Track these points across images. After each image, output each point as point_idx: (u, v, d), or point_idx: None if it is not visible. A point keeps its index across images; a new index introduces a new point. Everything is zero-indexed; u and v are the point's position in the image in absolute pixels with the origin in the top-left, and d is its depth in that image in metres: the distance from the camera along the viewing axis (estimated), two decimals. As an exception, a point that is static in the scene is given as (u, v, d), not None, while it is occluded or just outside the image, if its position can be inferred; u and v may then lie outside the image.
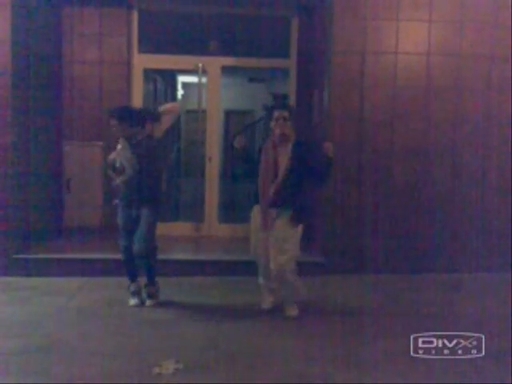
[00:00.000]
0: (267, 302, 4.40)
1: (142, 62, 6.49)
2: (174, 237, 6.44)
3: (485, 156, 5.58)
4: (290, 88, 6.51)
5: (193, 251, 6.05)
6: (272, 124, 4.14)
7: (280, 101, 4.30)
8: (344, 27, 5.41)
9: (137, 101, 6.44)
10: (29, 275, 5.17)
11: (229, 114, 11.51)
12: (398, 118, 5.49)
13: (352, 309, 4.46)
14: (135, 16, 6.43)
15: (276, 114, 4.09)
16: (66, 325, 3.92)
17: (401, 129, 5.50)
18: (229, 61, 6.63)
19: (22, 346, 3.56)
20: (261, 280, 4.40)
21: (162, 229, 6.57)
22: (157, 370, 3.21)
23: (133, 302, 4.42)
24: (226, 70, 6.75)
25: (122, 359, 3.38)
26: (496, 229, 5.56)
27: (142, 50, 6.50)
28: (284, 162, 4.08)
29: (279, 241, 4.06)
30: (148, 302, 4.43)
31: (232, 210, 7.95)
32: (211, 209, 6.62)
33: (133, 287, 4.49)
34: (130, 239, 4.32)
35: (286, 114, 4.08)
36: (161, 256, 5.52)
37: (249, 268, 4.64)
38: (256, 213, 4.21)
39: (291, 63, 6.49)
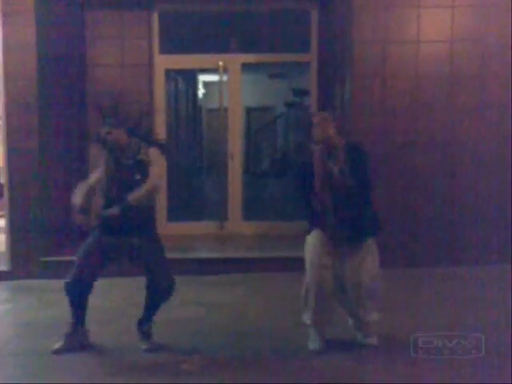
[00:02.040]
0: (317, 340, 3.55)
1: (164, 62, 6.52)
2: (199, 235, 6.47)
3: (506, 147, 5.42)
4: (311, 82, 6.46)
5: (217, 249, 6.06)
6: (313, 131, 3.42)
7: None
8: (364, 17, 5.35)
9: (159, 101, 6.49)
10: (58, 277, 5.22)
11: (250, 111, 11.52)
12: (422, 108, 5.39)
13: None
14: (155, 17, 6.46)
15: (316, 119, 3.44)
16: (100, 324, 3.96)
17: (424, 118, 5.40)
18: (249, 58, 6.62)
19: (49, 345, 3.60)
20: (308, 319, 3.60)
21: (186, 228, 6.69)
22: (184, 366, 3.24)
23: (57, 345, 3.53)
24: (247, 67, 6.74)
25: (152, 355, 3.40)
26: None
27: (162, 51, 6.54)
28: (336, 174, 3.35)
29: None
30: (145, 345, 3.57)
31: (256, 207, 7.94)
32: (235, 206, 6.62)
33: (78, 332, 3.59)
34: (89, 276, 3.52)
35: (326, 115, 3.48)
36: (186, 255, 5.60)
37: (274, 264, 4.63)
38: (313, 241, 3.49)
39: (312, 57, 6.44)
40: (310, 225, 3.52)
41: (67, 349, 3.48)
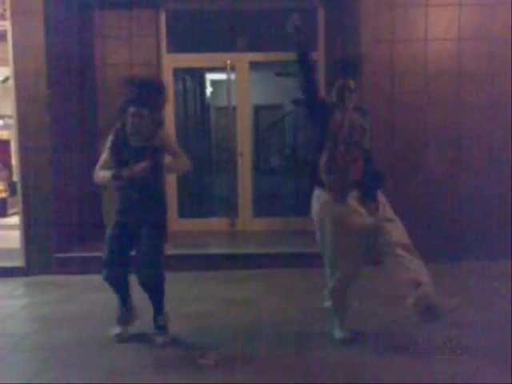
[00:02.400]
0: (343, 328, 3.58)
1: (171, 61, 6.59)
2: (209, 232, 6.55)
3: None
4: (319, 80, 6.49)
5: (228, 245, 6.13)
6: (333, 94, 3.42)
7: (347, 65, 3.43)
8: (372, 15, 5.38)
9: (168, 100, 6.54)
10: (70, 273, 5.35)
11: (258, 109, 11.56)
12: (430, 106, 5.43)
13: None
14: (163, 17, 6.52)
15: (340, 82, 3.38)
16: (114, 319, 4.04)
17: (433, 116, 5.44)
18: (256, 56, 6.66)
19: (75, 339, 3.71)
20: (329, 303, 3.62)
21: (198, 225, 6.77)
22: (200, 360, 3.30)
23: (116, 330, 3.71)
24: (254, 66, 6.79)
25: (168, 350, 3.49)
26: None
27: (170, 50, 6.60)
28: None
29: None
30: (159, 339, 3.62)
31: (266, 204, 7.99)
32: (245, 203, 6.68)
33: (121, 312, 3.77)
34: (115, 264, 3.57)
35: (351, 82, 3.37)
36: (197, 251, 5.68)
37: (285, 260, 4.67)
38: (325, 201, 3.41)
39: (319, 55, 6.47)
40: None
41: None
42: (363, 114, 3.50)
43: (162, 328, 3.65)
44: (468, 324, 3.79)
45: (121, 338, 3.65)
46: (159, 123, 3.53)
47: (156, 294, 3.61)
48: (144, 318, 3.81)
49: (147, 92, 3.42)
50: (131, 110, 3.42)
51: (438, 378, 3.05)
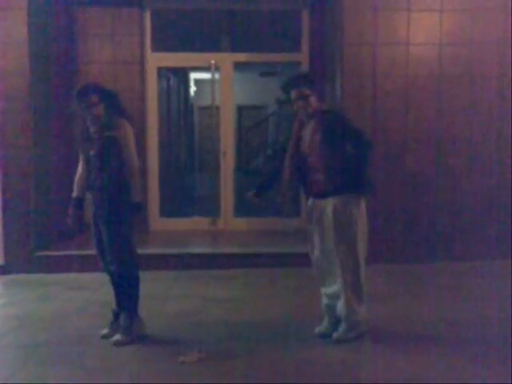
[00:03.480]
0: (325, 323, 3.68)
1: (156, 60, 6.58)
2: (191, 231, 6.56)
3: (500, 144, 5.58)
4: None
5: (210, 245, 6.14)
6: (294, 106, 3.58)
7: (295, 78, 3.65)
8: (355, 18, 5.44)
9: (151, 99, 6.55)
10: (51, 272, 5.31)
11: (241, 109, 11.59)
12: (411, 109, 5.51)
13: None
14: (148, 15, 6.51)
15: (293, 94, 3.53)
16: (94, 317, 4.03)
17: (413, 119, 5.52)
18: (241, 56, 6.69)
19: (54, 338, 3.68)
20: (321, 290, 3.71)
21: (179, 224, 6.77)
22: (181, 358, 3.31)
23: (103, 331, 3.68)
24: (238, 66, 6.82)
25: (149, 348, 3.50)
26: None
27: (154, 49, 6.59)
28: (313, 140, 3.48)
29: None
30: (115, 337, 3.55)
31: (247, 204, 8.00)
32: (227, 203, 6.71)
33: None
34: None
35: (305, 90, 3.50)
36: (179, 250, 5.68)
37: (266, 259, 4.71)
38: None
39: (303, 56, 6.53)
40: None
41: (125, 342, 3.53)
42: (327, 119, 3.50)
43: (122, 328, 3.55)
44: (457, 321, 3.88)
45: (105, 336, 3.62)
46: (116, 113, 3.50)
47: (120, 290, 3.60)
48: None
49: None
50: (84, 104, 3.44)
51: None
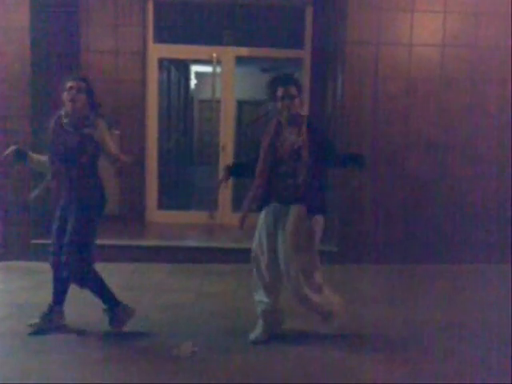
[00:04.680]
0: (260, 330, 3.63)
1: (157, 51, 6.56)
2: (188, 224, 6.56)
3: (500, 148, 5.60)
4: (304, 79, 6.55)
5: (207, 239, 6.15)
6: (278, 104, 3.46)
7: (283, 76, 3.58)
8: (358, 17, 5.44)
9: (152, 90, 6.53)
10: (47, 260, 5.29)
11: (242, 104, 11.57)
12: (412, 110, 5.52)
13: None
14: (150, 6, 6.49)
15: (280, 91, 3.42)
16: (87, 305, 4.03)
17: (415, 120, 5.54)
18: (243, 51, 6.68)
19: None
20: (258, 297, 3.66)
21: (176, 217, 6.77)
22: (175, 351, 3.33)
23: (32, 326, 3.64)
24: (240, 61, 6.80)
25: (142, 341, 3.50)
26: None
27: (156, 40, 6.57)
28: (294, 144, 3.40)
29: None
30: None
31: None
32: (225, 197, 6.71)
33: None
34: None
35: (292, 90, 3.43)
36: (174, 243, 5.68)
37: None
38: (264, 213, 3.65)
39: (306, 54, 6.52)
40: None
41: (42, 329, 3.57)
42: (311, 126, 3.46)
43: (110, 319, 3.62)
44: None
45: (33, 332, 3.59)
46: (91, 109, 3.49)
47: (61, 283, 3.64)
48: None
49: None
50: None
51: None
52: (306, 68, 6.53)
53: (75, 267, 3.45)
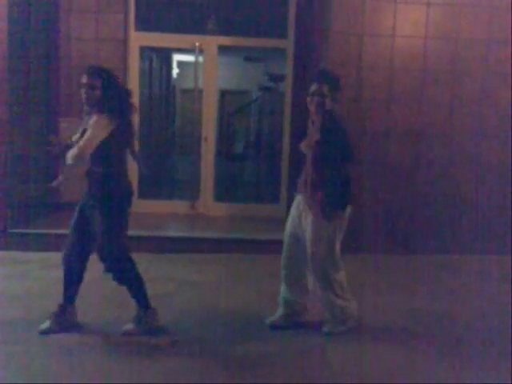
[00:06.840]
0: (278, 314, 3.71)
1: (139, 39, 6.48)
2: (169, 214, 6.53)
3: (482, 139, 5.66)
4: (287, 68, 6.54)
5: (188, 229, 6.12)
6: (308, 99, 3.49)
7: (323, 73, 3.71)
8: (342, 7, 5.43)
9: (133, 78, 6.45)
10: (26, 250, 5.23)
11: (224, 93, 11.51)
12: (395, 100, 5.55)
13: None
14: (132, -7, 6.40)
15: (313, 87, 3.47)
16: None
17: (397, 111, 5.57)
18: (226, 40, 6.62)
19: (24, 316, 3.66)
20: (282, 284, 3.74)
21: (157, 206, 6.73)
22: (154, 341, 3.31)
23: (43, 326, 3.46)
24: (223, 50, 6.75)
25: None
26: (493, 211, 5.67)
27: (138, 28, 6.48)
28: (312, 139, 3.45)
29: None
30: (124, 327, 3.48)
31: (227, 189, 8.01)
32: (206, 187, 6.68)
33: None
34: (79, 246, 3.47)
35: (324, 88, 3.45)
36: (155, 233, 5.66)
37: (244, 245, 4.72)
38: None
39: (289, 43, 6.49)
40: None
41: (55, 330, 3.40)
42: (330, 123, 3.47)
43: (134, 318, 3.47)
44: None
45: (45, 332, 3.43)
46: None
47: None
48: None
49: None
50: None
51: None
52: (289, 57, 6.51)
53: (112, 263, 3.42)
